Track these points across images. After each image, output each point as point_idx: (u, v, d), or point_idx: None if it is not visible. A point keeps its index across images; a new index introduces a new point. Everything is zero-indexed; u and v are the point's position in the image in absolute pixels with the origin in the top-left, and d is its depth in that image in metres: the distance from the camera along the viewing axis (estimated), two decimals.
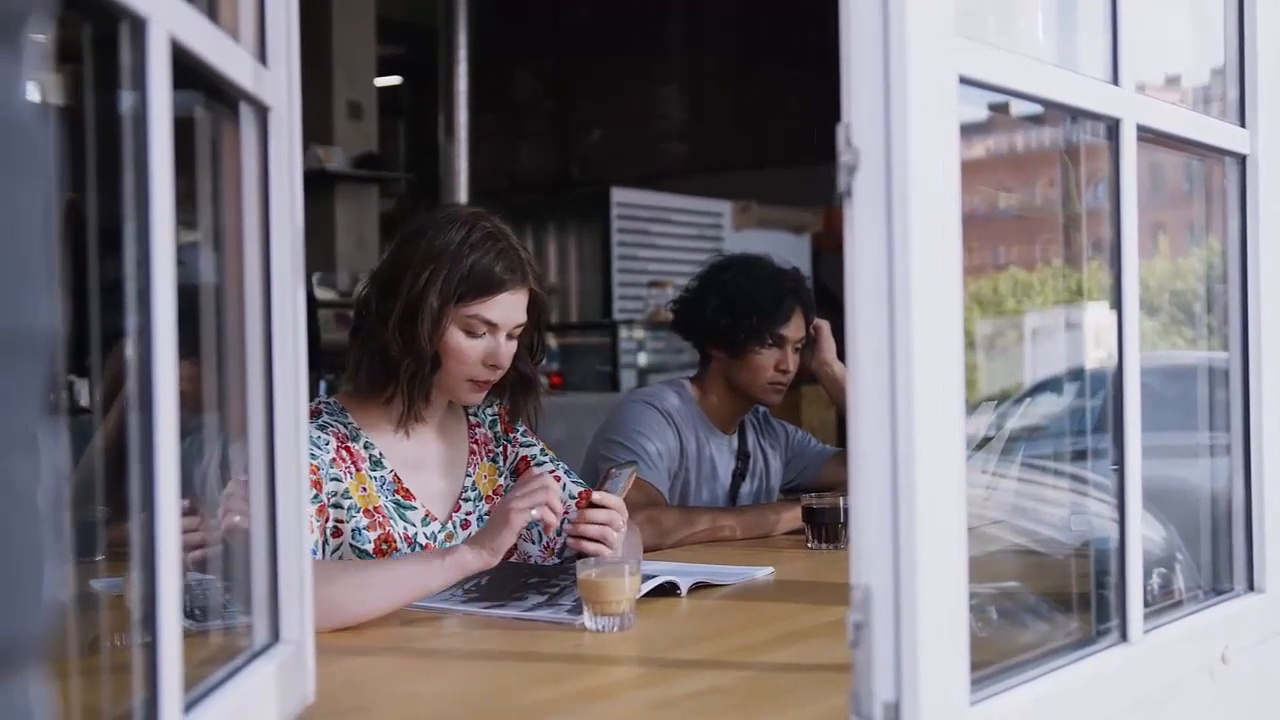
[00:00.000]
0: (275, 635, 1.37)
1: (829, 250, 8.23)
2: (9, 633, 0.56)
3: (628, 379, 7.37)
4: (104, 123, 1.05)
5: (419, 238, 2.20)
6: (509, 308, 2.20)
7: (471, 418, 2.41)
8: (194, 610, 1.41)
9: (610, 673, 1.71)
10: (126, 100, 1.02)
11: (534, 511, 1.98)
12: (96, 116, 1.05)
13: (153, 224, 1.01)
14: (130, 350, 1.02)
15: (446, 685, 1.67)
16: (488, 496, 2.35)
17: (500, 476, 2.38)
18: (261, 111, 1.35)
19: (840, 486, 2.96)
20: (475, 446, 2.38)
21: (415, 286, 2.15)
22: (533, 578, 2.14)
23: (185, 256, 1.10)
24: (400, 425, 2.25)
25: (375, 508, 2.18)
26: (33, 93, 0.59)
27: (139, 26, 1.00)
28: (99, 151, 1.04)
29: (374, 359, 2.20)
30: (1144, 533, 1.56)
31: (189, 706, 1.08)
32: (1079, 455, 1.93)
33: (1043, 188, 2.11)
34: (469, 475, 2.34)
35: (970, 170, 1.26)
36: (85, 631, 1.28)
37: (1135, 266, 1.52)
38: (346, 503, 2.15)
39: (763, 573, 2.35)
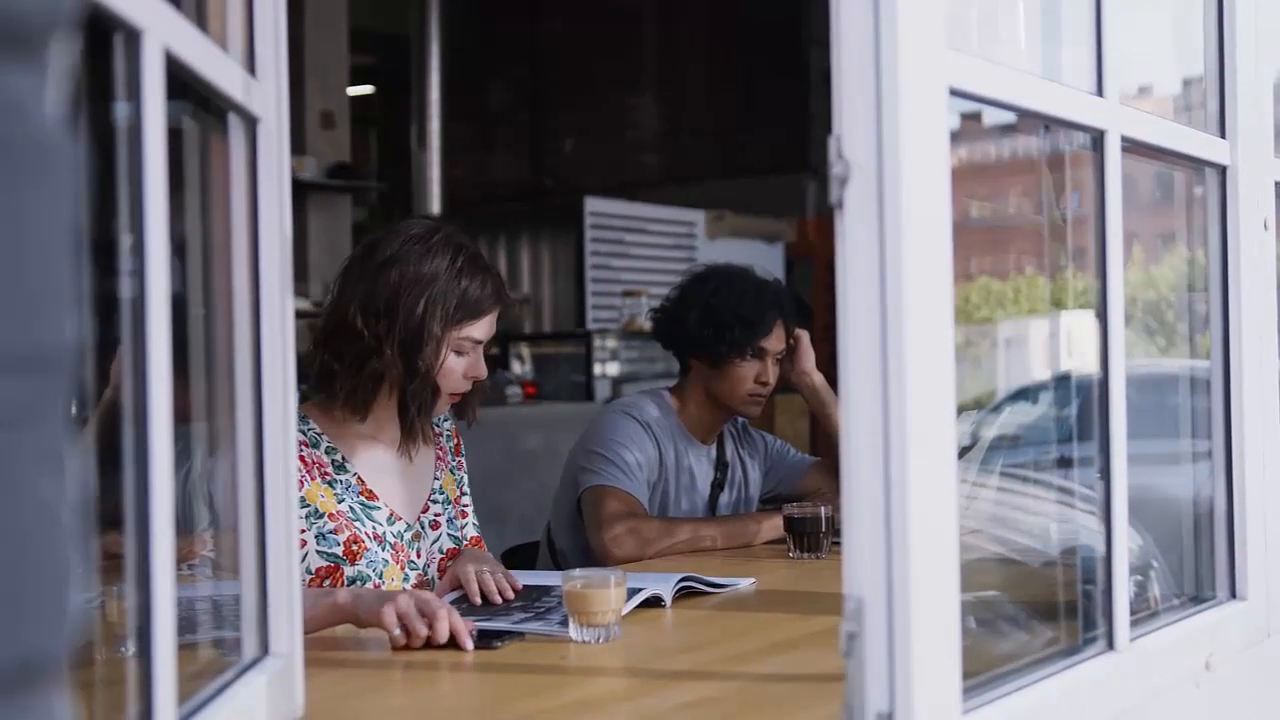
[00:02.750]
0: (265, 649, 1.36)
1: (801, 259, 8.26)
2: (36, 649, 0.56)
3: (602, 389, 7.36)
4: (96, 133, 1.04)
5: (400, 263, 2.23)
6: (492, 324, 2.32)
7: (433, 426, 2.47)
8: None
9: (599, 684, 1.71)
10: (120, 111, 1.02)
11: (395, 632, 1.84)
12: (89, 127, 1.05)
13: (147, 234, 1.01)
14: (124, 362, 1.01)
15: (434, 698, 1.67)
16: (454, 501, 2.44)
17: (457, 487, 2.47)
18: (250, 122, 1.34)
19: (819, 495, 2.97)
20: (440, 453, 2.46)
21: (414, 315, 2.21)
22: (517, 600, 2.13)
23: (172, 267, 1.09)
24: (400, 448, 2.32)
25: (338, 511, 2.23)
26: (57, 108, 0.59)
27: (133, 38, 1.00)
28: (91, 162, 1.03)
29: (369, 383, 2.25)
30: None
31: None
32: (1058, 464, 1.94)
33: (1015, 197, 2.12)
34: (437, 479, 2.42)
35: None
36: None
37: (1120, 276, 1.53)
38: (305, 510, 2.18)
39: (745, 583, 2.35)
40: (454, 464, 2.49)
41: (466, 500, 2.51)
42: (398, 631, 1.84)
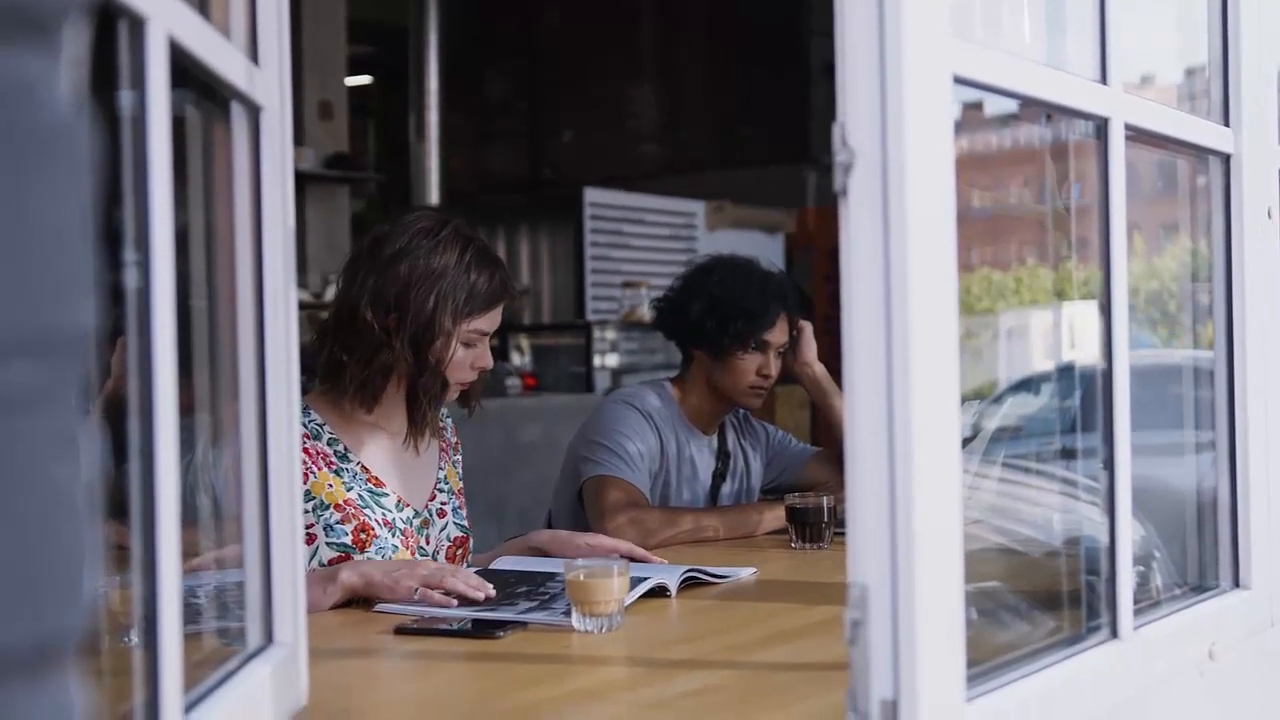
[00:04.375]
0: (269, 637, 1.36)
1: (801, 250, 8.26)
2: (50, 631, 0.56)
3: (601, 380, 7.36)
4: (100, 120, 1.04)
5: (410, 257, 2.25)
6: (498, 316, 2.34)
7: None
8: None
9: (601, 673, 1.71)
10: (125, 99, 1.01)
11: (417, 593, 2.03)
12: (94, 114, 1.04)
13: (152, 224, 1.00)
14: (130, 352, 1.01)
15: (438, 688, 1.67)
16: (457, 492, 2.47)
17: (459, 480, 2.50)
18: (254, 111, 1.34)
19: (821, 486, 2.97)
20: (444, 445, 2.48)
21: (425, 308, 2.24)
22: (521, 586, 2.14)
23: (175, 257, 1.09)
24: (408, 440, 2.35)
25: (345, 501, 2.25)
26: (69, 93, 0.59)
27: (138, 26, 0.99)
28: (96, 150, 1.03)
29: (378, 375, 2.27)
30: None
31: (188, 708, 1.08)
32: (1060, 454, 1.94)
33: (1017, 187, 2.12)
34: (441, 469, 2.44)
35: None
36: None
37: (1124, 265, 1.53)
38: (311, 503, 2.20)
39: (747, 573, 2.36)
40: (455, 459, 2.52)
41: (462, 497, 2.52)
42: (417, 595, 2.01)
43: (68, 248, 0.57)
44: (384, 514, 2.28)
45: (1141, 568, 1.81)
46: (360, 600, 2.17)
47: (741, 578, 2.32)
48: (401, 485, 2.35)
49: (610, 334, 7.58)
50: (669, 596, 2.12)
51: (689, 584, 2.21)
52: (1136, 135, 1.59)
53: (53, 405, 0.56)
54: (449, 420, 2.53)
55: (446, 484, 2.45)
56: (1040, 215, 1.96)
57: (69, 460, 0.57)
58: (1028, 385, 2.76)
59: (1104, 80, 1.52)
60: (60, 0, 0.58)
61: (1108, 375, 1.52)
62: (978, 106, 1.51)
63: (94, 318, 0.60)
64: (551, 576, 2.18)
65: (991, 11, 1.69)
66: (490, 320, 2.32)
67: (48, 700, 0.56)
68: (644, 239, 8.24)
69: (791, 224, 8.47)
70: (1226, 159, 1.81)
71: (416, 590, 2.03)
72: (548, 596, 2.06)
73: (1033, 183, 1.94)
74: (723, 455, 3.14)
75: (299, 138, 7.51)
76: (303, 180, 7.51)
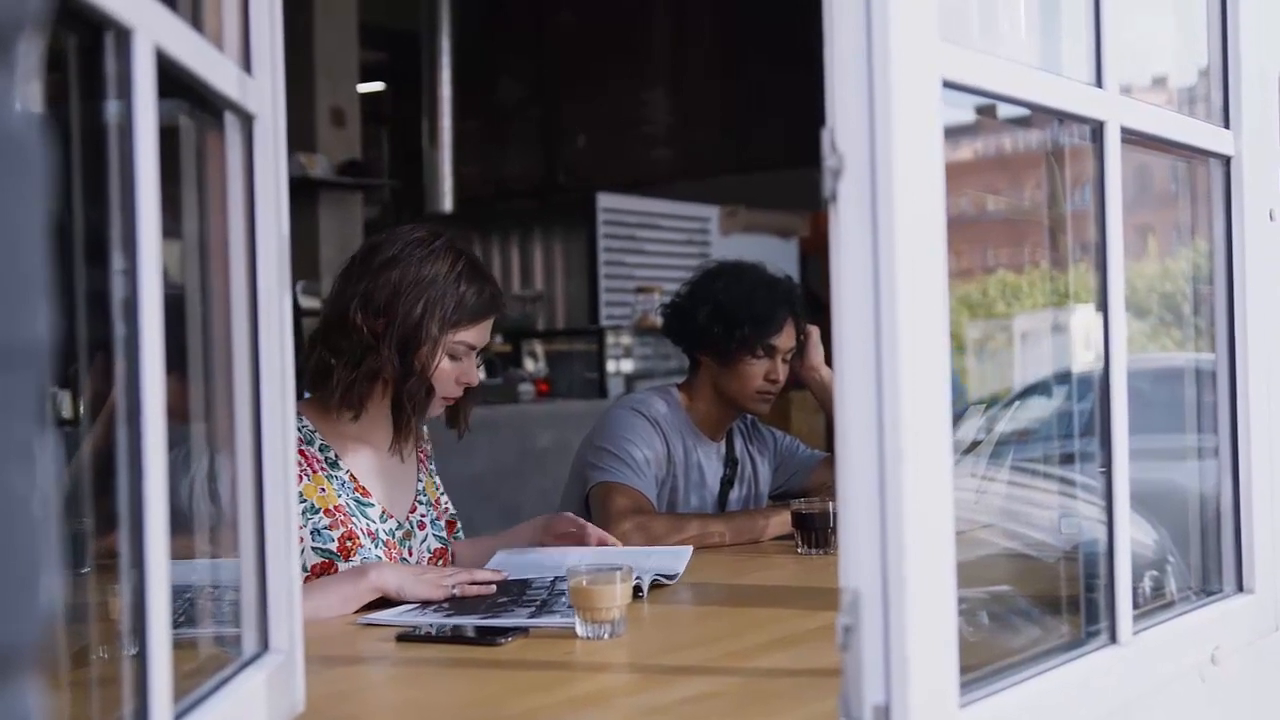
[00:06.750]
0: (265, 644, 1.36)
1: (816, 255, 8.25)
2: (7, 640, 0.56)
3: (615, 386, 7.36)
4: (88, 132, 1.04)
5: (401, 264, 2.28)
6: (485, 332, 2.37)
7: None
8: (180, 619, 1.40)
9: (602, 679, 1.71)
10: (111, 109, 1.02)
11: (456, 590, 2.14)
12: (80, 126, 1.05)
13: (139, 234, 1.01)
14: (117, 361, 1.01)
15: (437, 694, 1.67)
16: (435, 503, 2.49)
17: (437, 490, 2.52)
18: (246, 120, 1.35)
19: (829, 491, 2.96)
20: (422, 458, 2.51)
21: (412, 315, 2.26)
22: (501, 597, 2.13)
23: (171, 266, 1.10)
24: (394, 448, 2.36)
25: (336, 507, 2.27)
26: (28, 103, 0.59)
27: (124, 36, 1.00)
28: (83, 161, 1.04)
29: (364, 379, 2.28)
30: (1135, 536, 1.56)
31: (179, 716, 1.08)
32: (1068, 458, 1.93)
33: (1030, 190, 2.12)
34: (419, 481, 2.47)
35: (957, 173, 1.26)
36: (71, 643, 1.27)
37: (1121, 268, 1.52)
38: (301, 505, 2.21)
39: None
40: (431, 469, 2.54)
41: (446, 500, 2.54)
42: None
43: (24, 259, 0.57)
44: (369, 524, 2.30)
45: (1155, 572, 1.80)
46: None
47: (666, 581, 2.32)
48: (385, 496, 2.37)
49: (624, 339, 7.58)
50: (641, 598, 2.12)
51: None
52: (1134, 139, 1.58)
53: (9, 415, 0.56)
54: (424, 429, 2.55)
55: (425, 496, 2.47)
56: (1052, 218, 1.95)
57: (26, 470, 0.58)
58: (1040, 389, 2.75)
59: (1099, 84, 1.51)
60: (14, 15, 0.58)
61: (1105, 377, 1.52)
62: (990, 111, 1.51)
63: (52, 329, 0.60)
64: (529, 584, 2.19)
65: (988, 17, 1.68)
66: (478, 334, 2.34)
67: (3, 709, 0.56)
68: (657, 244, 8.24)
69: (805, 228, 8.45)
70: (1227, 161, 1.81)
71: (456, 588, 2.11)
72: (538, 603, 2.06)
73: (1046, 185, 1.94)
74: (730, 461, 3.14)
75: (311, 144, 7.52)
76: (315, 187, 7.51)
